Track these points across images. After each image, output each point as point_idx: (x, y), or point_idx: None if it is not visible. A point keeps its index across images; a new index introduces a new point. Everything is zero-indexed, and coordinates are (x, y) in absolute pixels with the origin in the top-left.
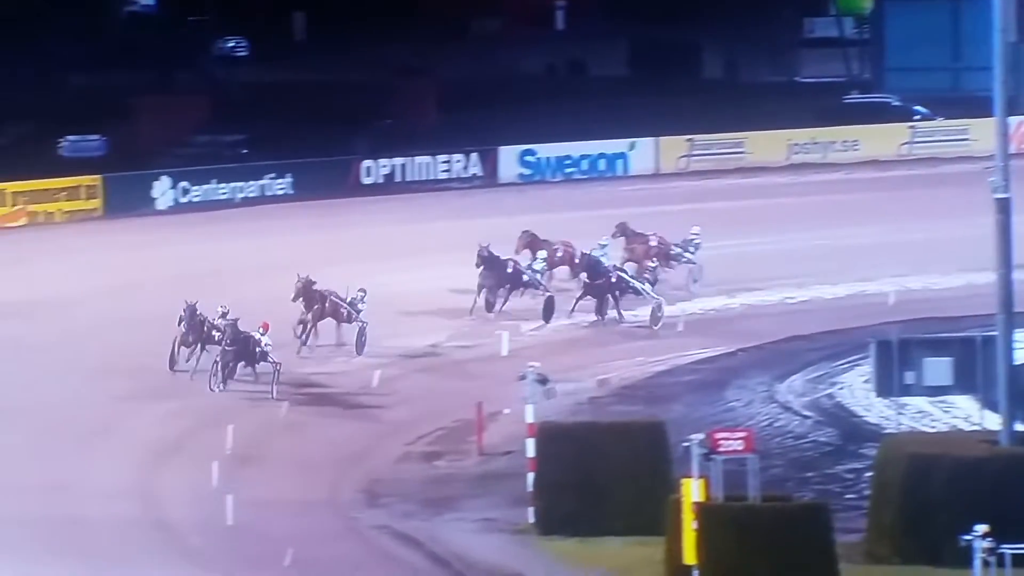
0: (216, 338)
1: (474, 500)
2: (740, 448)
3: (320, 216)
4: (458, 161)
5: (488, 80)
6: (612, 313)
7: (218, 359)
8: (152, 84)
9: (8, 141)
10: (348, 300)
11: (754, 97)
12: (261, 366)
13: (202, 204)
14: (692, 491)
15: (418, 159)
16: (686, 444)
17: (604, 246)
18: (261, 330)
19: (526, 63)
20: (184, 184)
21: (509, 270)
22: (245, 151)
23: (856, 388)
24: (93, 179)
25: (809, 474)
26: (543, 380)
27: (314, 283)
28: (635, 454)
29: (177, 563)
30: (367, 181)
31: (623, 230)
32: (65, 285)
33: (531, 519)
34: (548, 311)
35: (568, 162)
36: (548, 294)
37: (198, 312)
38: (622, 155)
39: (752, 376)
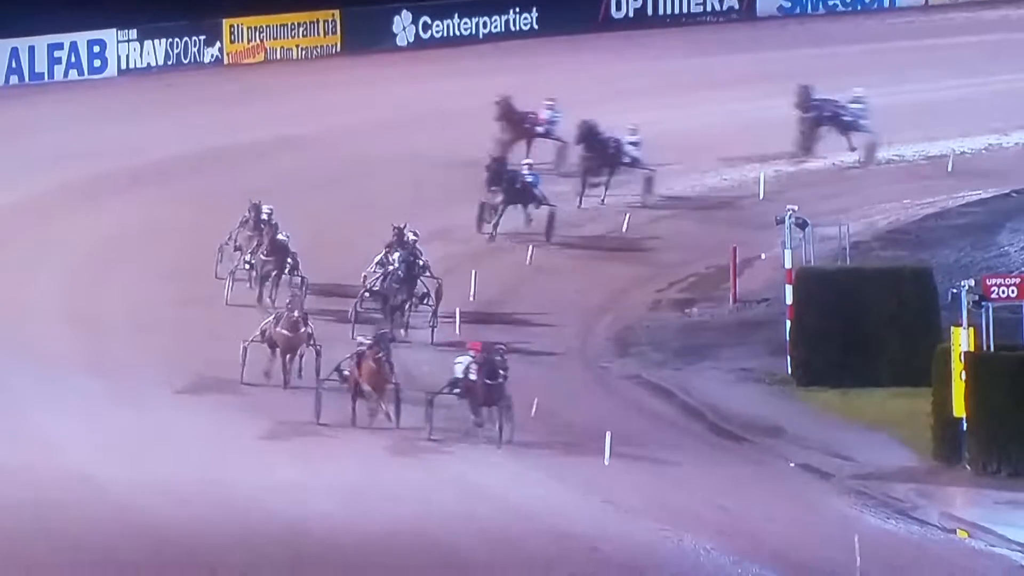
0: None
1: (729, 349)
2: (1014, 295)
3: (567, 52)
4: None
5: None
6: None
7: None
8: None
9: None
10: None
11: None
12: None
13: (444, 40)
14: (961, 340)
15: None
16: (955, 291)
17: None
18: (472, 352)
19: None
20: (425, 19)
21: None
22: None
23: None
24: (331, 13)
25: None
26: (802, 223)
27: None
28: (901, 301)
29: (416, 412)
30: (617, 15)
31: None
32: (303, 124)
33: (789, 370)
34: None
35: None
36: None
37: None
38: None
39: None
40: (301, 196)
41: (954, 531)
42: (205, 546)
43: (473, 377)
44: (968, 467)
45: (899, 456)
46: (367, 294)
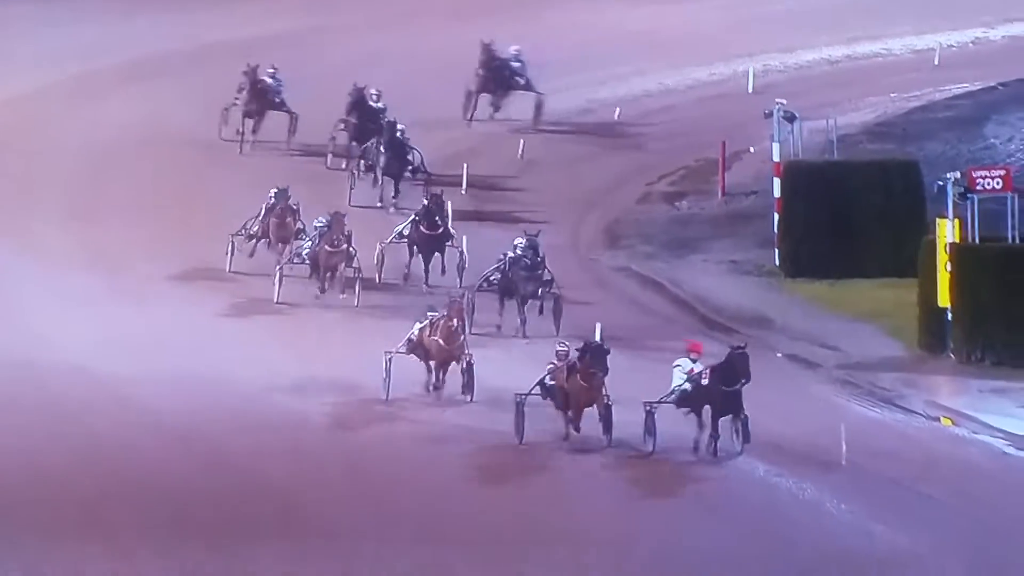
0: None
1: (718, 242)
2: (999, 187)
3: None
4: None
5: None
6: None
7: None
8: None
9: None
10: None
11: None
12: None
13: None
14: (947, 232)
15: None
16: (941, 183)
17: None
18: (693, 355)
19: None
20: None
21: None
22: None
23: None
24: None
25: None
26: (791, 117)
27: None
28: (888, 194)
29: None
30: None
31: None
32: (307, 18)
33: (777, 262)
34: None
35: None
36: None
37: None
38: None
39: (1013, 111)
40: (306, 96)
41: (938, 419)
42: (203, 434)
43: (705, 383)
44: (952, 356)
45: (885, 346)
46: (485, 284)
